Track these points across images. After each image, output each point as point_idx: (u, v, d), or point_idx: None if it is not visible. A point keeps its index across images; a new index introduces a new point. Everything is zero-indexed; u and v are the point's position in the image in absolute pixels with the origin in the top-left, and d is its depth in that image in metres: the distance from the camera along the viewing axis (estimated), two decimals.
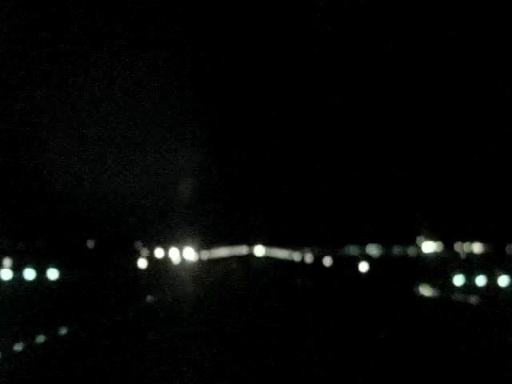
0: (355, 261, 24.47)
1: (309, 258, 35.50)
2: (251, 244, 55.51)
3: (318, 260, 29.22)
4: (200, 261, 36.74)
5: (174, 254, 38.82)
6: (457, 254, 27.07)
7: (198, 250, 41.81)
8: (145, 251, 38.95)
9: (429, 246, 28.95)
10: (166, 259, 36.07)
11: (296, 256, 40.42)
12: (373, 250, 35.41)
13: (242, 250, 59.00)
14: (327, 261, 26.49)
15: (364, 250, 35.24)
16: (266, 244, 53.93)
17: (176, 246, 39.81)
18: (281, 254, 50.03)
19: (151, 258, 35.35)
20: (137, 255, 34.64)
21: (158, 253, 37.93)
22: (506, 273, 12.65)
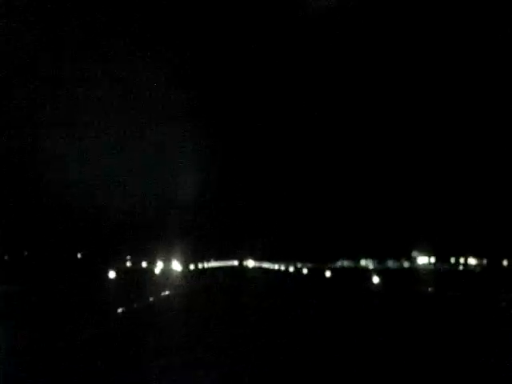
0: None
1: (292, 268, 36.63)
2: (242, 259, 55.32)
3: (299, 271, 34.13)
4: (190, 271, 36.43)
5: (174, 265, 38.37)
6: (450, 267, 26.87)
7: (187, 263, 41.28)
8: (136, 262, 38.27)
9: (424, 260, 28.69)
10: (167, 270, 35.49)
11: (282, 267, 40.66)
12: (364, 263, 35.47)
13: (234, 263, 58.35)
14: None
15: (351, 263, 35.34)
16: (256, 258, 53.44)
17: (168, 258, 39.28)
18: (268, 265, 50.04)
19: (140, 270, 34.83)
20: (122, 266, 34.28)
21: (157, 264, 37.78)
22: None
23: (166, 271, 29.74)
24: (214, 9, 22.58)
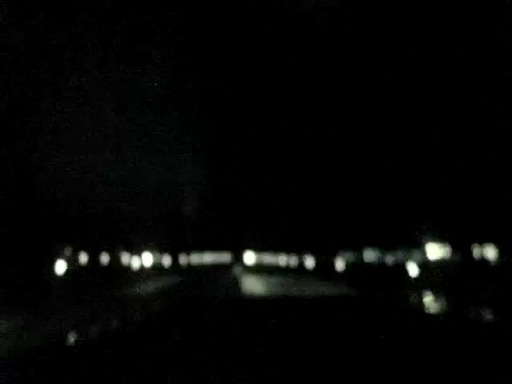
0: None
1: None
2: (239, 250, 51.05)
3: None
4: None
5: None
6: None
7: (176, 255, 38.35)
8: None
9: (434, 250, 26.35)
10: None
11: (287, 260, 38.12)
12: (368, 255, 33.01)
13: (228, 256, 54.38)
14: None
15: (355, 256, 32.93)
16: (256, 250, 50.37)
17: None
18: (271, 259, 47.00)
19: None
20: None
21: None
22: None
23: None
24: (215, 12, 22.28)
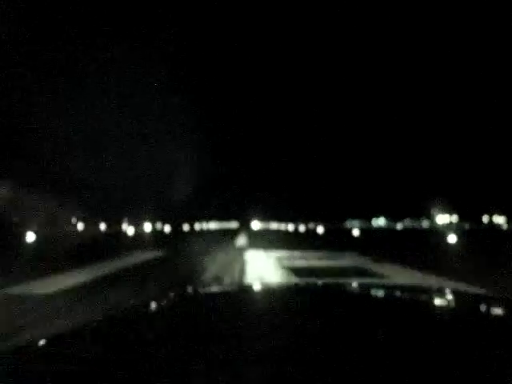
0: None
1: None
2: (245, 220, 52.22)
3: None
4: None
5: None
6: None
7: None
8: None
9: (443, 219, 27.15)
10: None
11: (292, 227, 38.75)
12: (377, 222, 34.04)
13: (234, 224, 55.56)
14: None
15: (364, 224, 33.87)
16: (261, 219, 51.21)
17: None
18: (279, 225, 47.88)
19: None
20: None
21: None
22: None
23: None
24: (215, 12, 22.44)
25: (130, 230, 30.40)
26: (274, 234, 25.47)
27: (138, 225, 34.68)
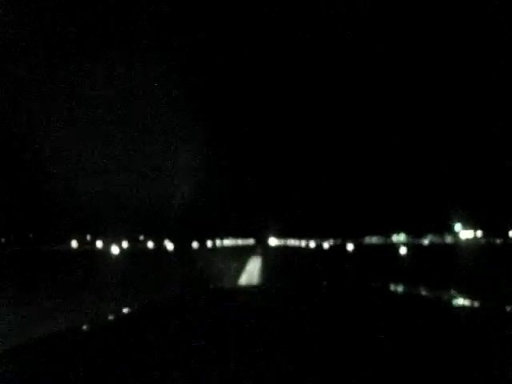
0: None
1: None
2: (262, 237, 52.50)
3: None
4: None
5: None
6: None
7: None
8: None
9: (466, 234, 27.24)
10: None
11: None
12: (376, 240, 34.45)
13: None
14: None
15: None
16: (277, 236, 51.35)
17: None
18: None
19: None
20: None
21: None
22: None
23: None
24: (216, 12, 22.99)
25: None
26: (295, 252, 23.36)
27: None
